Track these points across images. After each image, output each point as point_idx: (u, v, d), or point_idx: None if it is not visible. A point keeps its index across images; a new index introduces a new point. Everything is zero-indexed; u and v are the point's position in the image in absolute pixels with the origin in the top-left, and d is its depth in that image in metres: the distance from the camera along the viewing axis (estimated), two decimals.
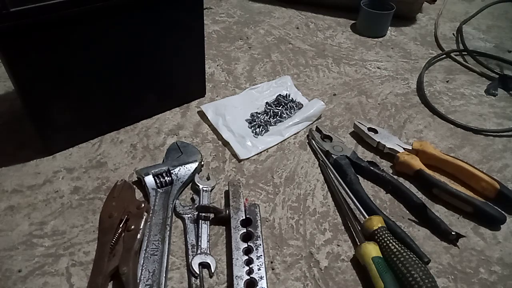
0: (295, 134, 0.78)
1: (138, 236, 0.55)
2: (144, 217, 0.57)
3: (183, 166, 0.66)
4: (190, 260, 0.54)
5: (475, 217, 0.64)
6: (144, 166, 0.68)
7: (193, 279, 0.53)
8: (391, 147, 0.73)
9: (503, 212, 0.63)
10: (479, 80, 0.99)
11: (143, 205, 0.59)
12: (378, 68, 1.00)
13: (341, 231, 0.61)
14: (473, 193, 0.65)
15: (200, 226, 0.58)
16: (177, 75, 0.79)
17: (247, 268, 0.53)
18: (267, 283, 0.52)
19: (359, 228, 0.60)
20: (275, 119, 0.81)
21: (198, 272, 0.53)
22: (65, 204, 0.62)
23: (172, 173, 0.65)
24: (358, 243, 0.57)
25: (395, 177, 0.69)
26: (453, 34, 1.18)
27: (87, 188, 0.65)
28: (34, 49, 0.58)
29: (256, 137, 0.76)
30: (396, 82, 0.96)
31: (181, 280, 0.54)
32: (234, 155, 0.73)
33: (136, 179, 0.66)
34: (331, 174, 0.69)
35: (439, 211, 0.65)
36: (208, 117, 0.79)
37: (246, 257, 0.54)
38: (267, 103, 0.85)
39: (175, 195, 0.63)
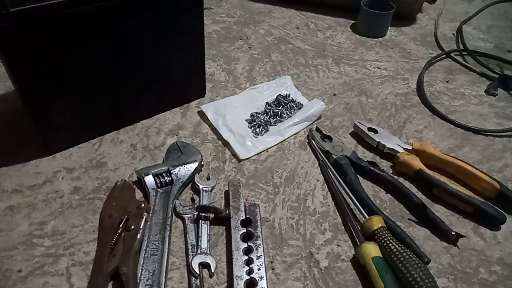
0: (295, 134, 0.78)
1: (138, 236, 0.55)
2: (144, 217, 0.57)
3: (183, 166, 0.66)
4: (190, 260, 0.54)
5: (475, 217, 0.64)
6: (144, 166, 0.68)
7: (193, 279, 0.53)
8: (391, 147, 0.73)
9: (503, 212, 0.63)
10: (479, 80, 0.99)
11: (143, 205, 0.59)
12: (378, 68, 1.00)
13: (341, 231, 0.61)
14: (473, 193, 0.65)
15: (200, 226, 0.58)
16: (177, 75, 0.79)
17: (247, 268, 0.53)
18: (267, 283, 0.52)
19: (359, 228, 0.60)
20: (275, 119, 0.81)
21: (198, 272, 0.53)
22: (65, 204, 0.62)
23: (172, 173, 0.65)
24: (358, 243, 0.57)
25: (395, 177, 0.69)
26: (453, 34, 1.18)
27: (87, 188, 0.65)
28: (34, 49, 0.58)
29: (256, 137, 0.76)
30: (396, 82, 0.96)
31: (181, 280, 0.54)
32: (234, 155, 0.73)
33: (136, 179, 0.66)
34: (331, 174, 0.69)
35: (439, 211, 0.65)
36: (208, 117, 0.79)
37: (246, 257, 0.54)
38: (267, 103, 0.85)
39: (175, 195, 0.63)
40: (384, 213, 0.62)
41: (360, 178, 0.69)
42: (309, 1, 1.25)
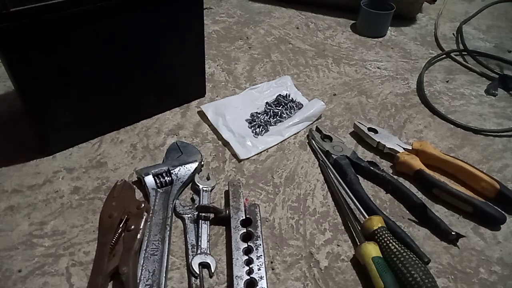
0: (295, 134, 0.78)
1: (138, 236, 0.55)
2: (144, 217, 0.57)
3: (183, 166, 0.66)
4: (190, 260, 0.54)
5: (475, 217, 0.64)
6: (144, 166, 0.68)
7: (193, 279, 0.53)
8: (391, 147, 0.73)
9: (503, 212, 0.63)
10: (479, 80, 0.99)
11: (143, 205, 0.59)
12: (378, 68, 1.00)
13: (341, 231, 0.61)
14: (473, 193, 0.65)
15: (200, 226, 0.58)
16: (177, 75, 0.79)
17: (247, 268, 0.53)
18: (267, 283, 0.52)
19: (359, 228, 0.60)
20: (275, 119, 0.81)
21: (198, 272, 0.53)
22: (65, 204, 0.62)
23: (172, 173, 0.65)
24: (358, 243, 0.57)
25: (395, 177, 0.69)
26: (453, 34, 1.18)
27: (87, 188, 0.65)
28: (34, 49, 0.58)
29: (256, 137, 0.76)
30: (396, 82, 0.96)
31: (181, 280, 0.54)
32: (234, 155, 0.73)
33: (136, 179, 0.66)
34: (331, 174, 0.69)
35: (439, 211, 0.65)
36: (208, 117, 0.79)
37: (246, 257, 0.54)
38: (267, 103, 0.85)
39: (175, 195, 0.63)
40: (384, 213, 0.62)
41: (360, 178, 0.69)
42: (309, 1, 1.25)
